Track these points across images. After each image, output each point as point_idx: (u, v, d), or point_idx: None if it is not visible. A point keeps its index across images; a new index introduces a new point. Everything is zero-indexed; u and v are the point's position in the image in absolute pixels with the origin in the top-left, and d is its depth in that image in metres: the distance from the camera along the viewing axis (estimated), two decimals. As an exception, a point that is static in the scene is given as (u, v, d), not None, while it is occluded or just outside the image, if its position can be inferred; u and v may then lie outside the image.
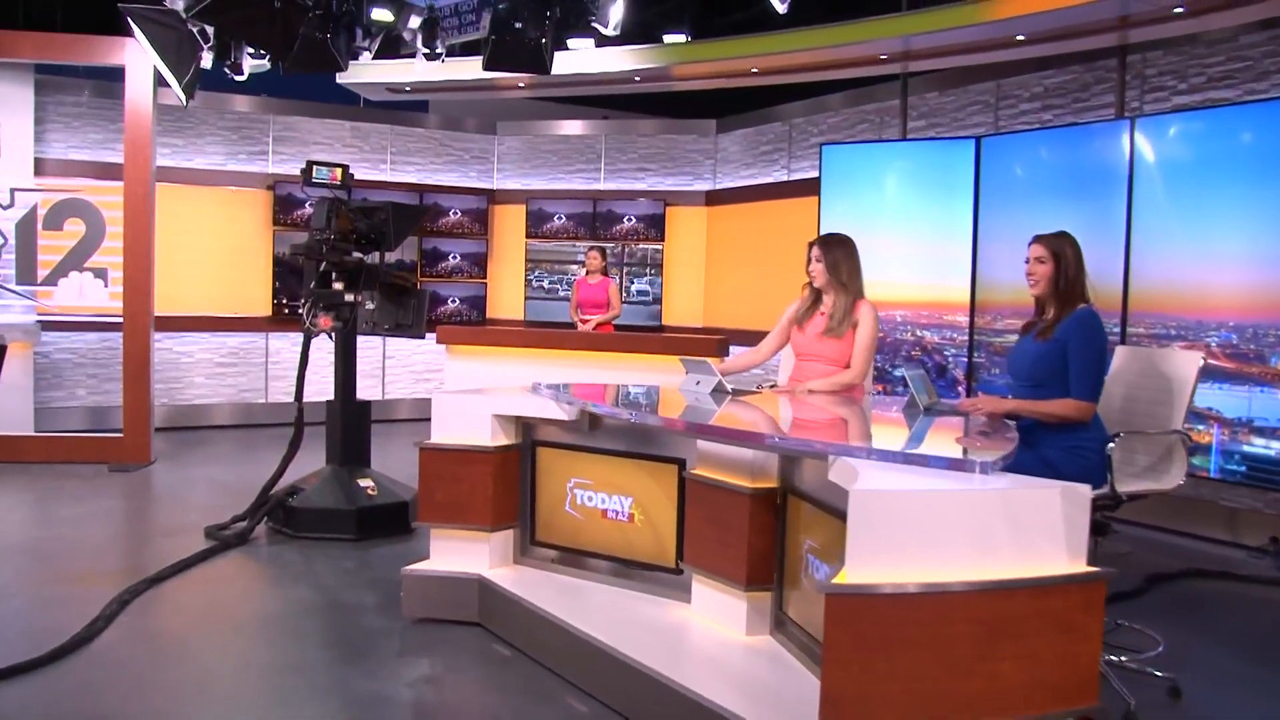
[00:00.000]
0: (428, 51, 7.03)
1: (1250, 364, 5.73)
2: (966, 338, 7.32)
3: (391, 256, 7.00)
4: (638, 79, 8.84)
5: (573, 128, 11.36)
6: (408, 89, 9.42)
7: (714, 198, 10.92)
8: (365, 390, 9.73)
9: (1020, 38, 6.62)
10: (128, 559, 5.60)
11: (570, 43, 8.06)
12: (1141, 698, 3.69)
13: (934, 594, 2.55)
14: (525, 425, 4.67)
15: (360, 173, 10.10)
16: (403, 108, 11.01)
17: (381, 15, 6.79)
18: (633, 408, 4.22)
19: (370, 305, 6.36)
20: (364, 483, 6.15)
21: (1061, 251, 3.89)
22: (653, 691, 3.44)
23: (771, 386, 5.15)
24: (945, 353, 7.44)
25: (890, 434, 3.79)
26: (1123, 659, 4.05)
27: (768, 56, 7.84)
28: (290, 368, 9.98)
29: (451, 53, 7.34)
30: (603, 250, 9.38)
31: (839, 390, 4.71)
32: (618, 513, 4.39)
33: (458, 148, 11.22)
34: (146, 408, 8.08)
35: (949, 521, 2.61)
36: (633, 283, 10.93)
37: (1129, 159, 6.33)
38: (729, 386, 4.51)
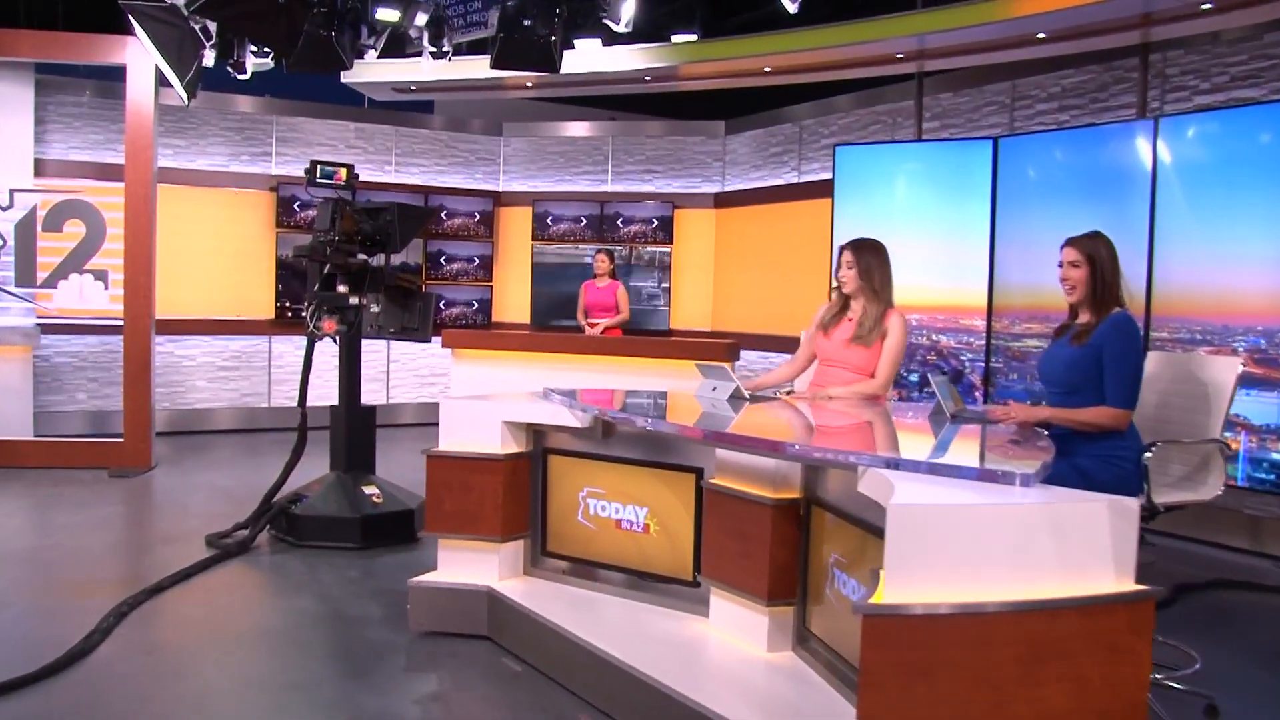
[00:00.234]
0: (434, 50, 6.89)
1: (1278, 370, 5.59)
2: (984, 342, 7.18)
3: (396, 259, 6.87)
4: (648, 78, 8.71)
5: (579, 129, 11.22)
6: (414, 88, 9.30)
7: (723, 200, 10.78)
8: (369, 394, 9.60)
9: (1040, 35, 6.48)
10: (127, 568, 5.46)
11: (577, 44, 7.91)
12: (1177, 717, 3.54)
13: (976, 614, 2.40)
14: (536, 432, 4.52)
15: (365, 174, 9.97)
16: (408, 109, 10.89)
17: (387, 15, 6.66)
18: (648, 415, 4.08)
19: (375, 308, 6.21)
20: (369, 490, 6.01)
21: (1096, 254, 3.74)
22: (670, 710, 3.30)
23: (789, 393, 5.00)
24: (962, 358, 7.29)
25: (919, 443, 3.65)
26: (1157, 676, 3.90)
27: (781, 55, 7.70)
28: (293, 371, 9.84)
29: (458, 51, 7.20)
30: (610, 253, 9.24)
31: (860, 398, 4.57)
32: (632, 523, 4.25)
33: (463, 149, 11.09)
34: (147, 412, 7.95)
35: (992, 537, 2.47)
36: (643, 287, 10.79)
37: (1152, 160, 6.18)
38: (746, 392, 4.37)
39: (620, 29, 6.06)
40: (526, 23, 6.31)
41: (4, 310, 8.17)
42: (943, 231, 7.34)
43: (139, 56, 7.70)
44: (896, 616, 2.39)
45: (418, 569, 5.04)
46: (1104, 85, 7.30)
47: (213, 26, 6.55)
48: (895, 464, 2.89)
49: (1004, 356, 7.07)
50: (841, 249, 4.84)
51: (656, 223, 10.80)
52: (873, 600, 2.44)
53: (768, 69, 8.10)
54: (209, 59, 6.91)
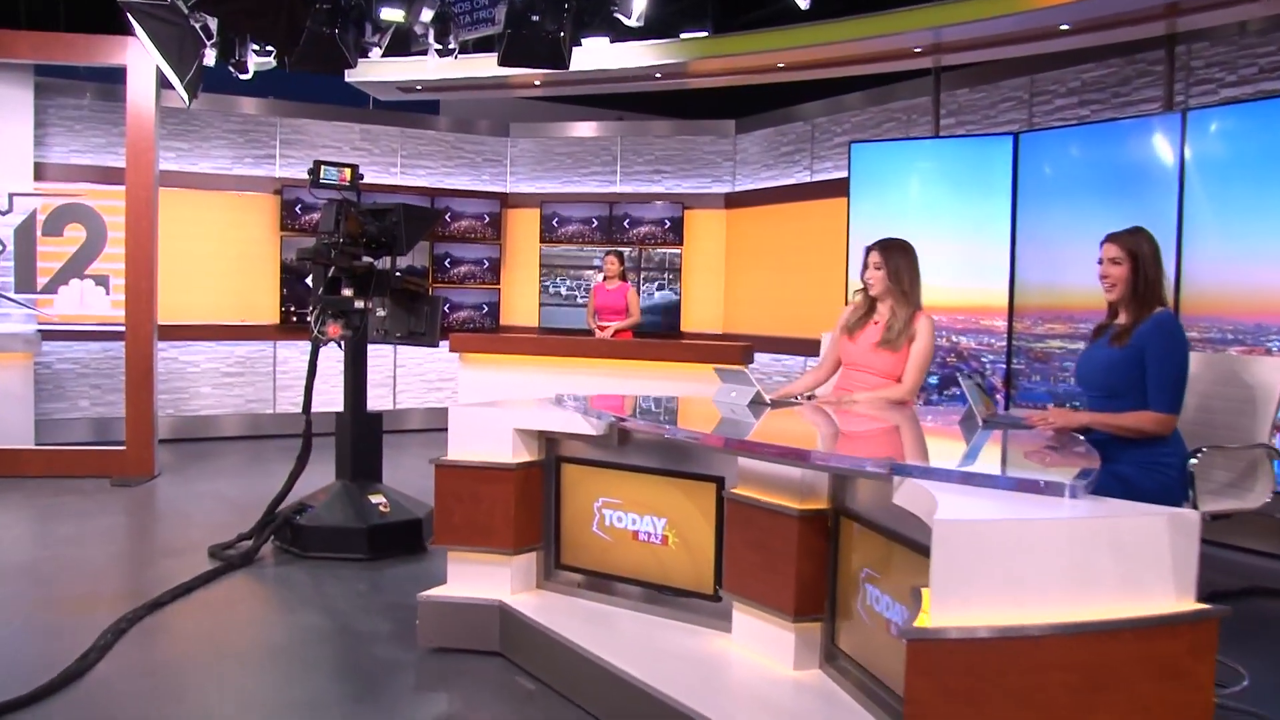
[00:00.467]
0: (440, 47, 6.73)
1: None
2: (1004, 343, 7.00)
3: (403, 261, 6.71)
4: (659, 75, 8.53)
5: (587, 129, 11.05)
6: (419, 88, 9.13)
7: (733, 200, 10.60)
8: (375, 400, 9.45)
9: (1064, 27, 6.29)
10: (127, 581, 5.30)
11: (586, 42, 7.73)
12: (1229, 738, 3.37)
13: (1028, 638, 2.23)
14: (549, 440, 4.35)
15: (370, 176, 9.81)
16: (413, 110, 10.73)
17: (391, 14, 6.50)
18: (666, 421, 3.91)
19: (381, 312, 6.06)
20: (375, 499, 5.84)
21: (1139, 250, 3.56)
22: (693, 732, 3.13)
23: (809, 398, 4.83)
24: (982, 359, 7.11)
25: (952, 451, 3.48)
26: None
27: (795, 50, 7.52)
28: (299, 377, 9.68)
29: (465, 49, 7.04)
30: (620, 255, 9.08)
31: (886, 404, 4.41)
32: (650, 534, 4.08)
33: (470, 150, 10.93)
34: (150, 420, 7.80)
35: (1044, 554, 2.29)
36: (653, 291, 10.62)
37: (1179, 154, 6.00)
38: (768, 398, 4.21)
39: (631, 23, 5.89)
40: (535, 18, 6.15)
41: (4, 317, 8.02)
42: (962, 230, 7.16)
43: (140, 57, 7.56)
44: (944, 641, 2.22)
45: (427, 581, 4.88)
46: (1126, 79, 7.12)
47: (213, 24, 6.40)
48: (934, 474, 2.72)
49: (1025, 358, 6.89)
50: (868, 249, 4.68)
51: (667, 224, 10.63)
52: (918, 624, 2.27)
53: (781, 65, 7.91)
54: (210, 58, 6.77)
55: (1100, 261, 3.66)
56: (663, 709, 3.27)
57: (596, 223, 10.75)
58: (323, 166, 5.98)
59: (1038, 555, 2.30)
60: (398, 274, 6.14)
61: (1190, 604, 2.36)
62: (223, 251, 9.76)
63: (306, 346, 5.91)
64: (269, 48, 6.80)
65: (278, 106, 10.07)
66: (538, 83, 8.79)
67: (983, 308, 7.09)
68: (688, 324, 10.65)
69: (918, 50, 7.28)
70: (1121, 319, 3.63)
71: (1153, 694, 2.30)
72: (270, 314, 9.94)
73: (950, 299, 7.15)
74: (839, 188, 9.04)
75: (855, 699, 3.21)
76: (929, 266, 7.10)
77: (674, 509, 4.01)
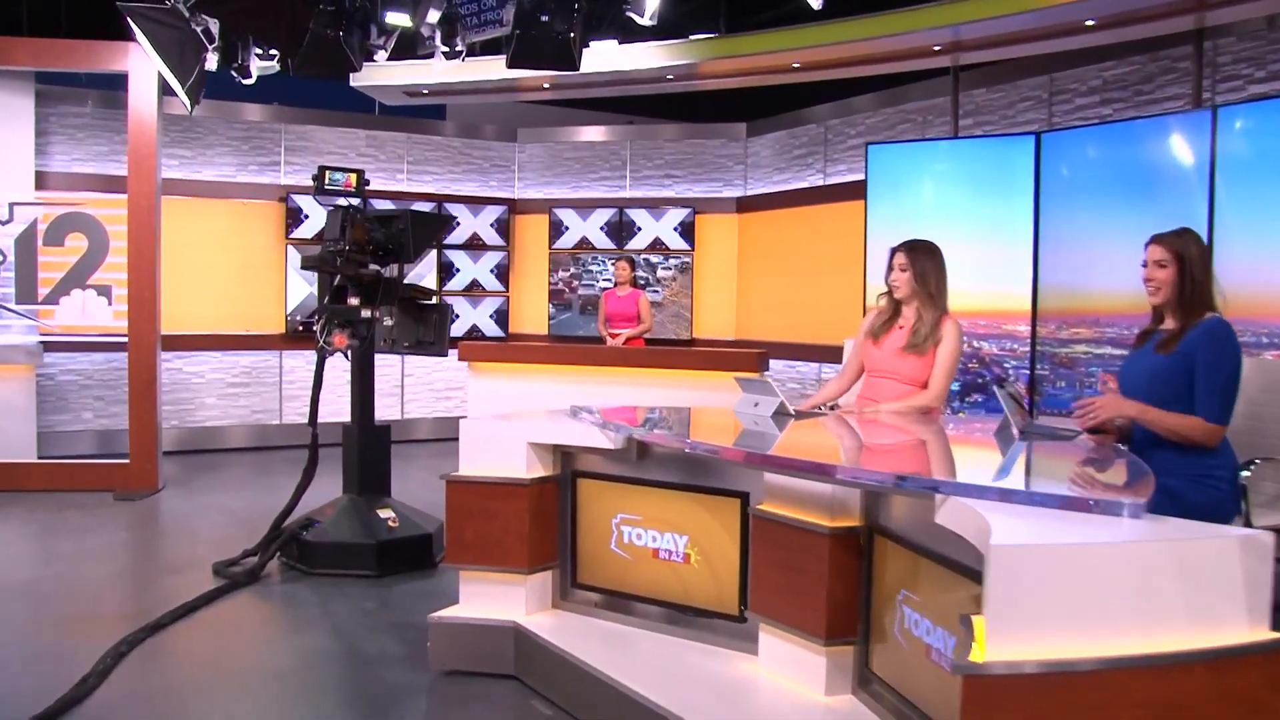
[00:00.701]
0: (447, 50, 6.58)
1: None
2: (1028, 349, 6.81)
3: (410, 269, 6.55)
4: (670, 77, 8.35)
5: (596, 134, 10.89)
6: (425, 92, 8.97)
7: (745, 204, 10.44)
8: (383, 410, 9.31)
9: (1089, 22, 6.12)
10: (128, 601, 5.14)
11: (595, 45, 7.57)
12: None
13: (1095, 672, 2.05)
14: (564, 454, 4.18)
15: (376, 183, 9.68)
16: (419, 115, 10.58)
17: (396, 19, 6.35)
18: (687, 433, 3.74)
19: (389, 322, 5.88)
20: (384, 513, 5.67)
21: (1185, 252, 3.38)
22: (721, 764, 2.97)
23: (832, 408, 4.66)
24: (1005, 365, 6.93)
25: (993, 464, 3.30)
26: None
27: (811, 50, 7.34)
28: (305, 387, 9.51)
29: (472, 52, 6.89)
30: (631, 261, 8.91)
31: (914, 413, 4.23)
32: (671, 552, 3.90)
33: (477, 156, 10.78)
34: (153, 432, 7.65)
35: (1108, 581, 2.11)
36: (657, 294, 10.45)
37: (1210, 152, 5.82)
38: (791, 409, 4.03)
39: (644, 21, 5.73)
40: (544, 19, 6.00)
41: (5, 328, 7.87)
42: (982, 232, 6.98)
43: (141, 63, 7.43)
44: (1003, 677, 2.04)
45: (437, 598, 4.75)
46: (1150, 76, 6.94)
47: (215, 28, 6.25)
48: (981, 492, 2.54)
49: (1050, 363, 6.71)
50: (894, 251, 4.51)
51: (677, 229, 10.46)
52: (973, 658, 2.09)
53: (796, 64, 7.74)
54: (212, 63, 6.62)
55: (1144, 264, 3.47)
56: (687, 736, 3.11)
57: (606, 228, 10.58)
58: (328, 172, 5.83)
59: (1101, 582, 2.12)
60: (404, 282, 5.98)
61: (1266, 633, 2.18)
62: (227, 260, 9.61)
63: (313, 356, 5.75)
64: (272, 51, 6.65)
65: (282, 113, 9.92)
66: (546, 85, 8.63)
67: (1005, 312, 6.90)
68: (699, 330, 10.48)
69: (937, 49, 7.10)
70: (1168, 324, 3.44)
71: (1227, 731, 2.12)
72: (276, 323, 9.79)
73: (971, 303, 6.96)
74: (854, 191, 8.89)
75: (892, 727, 3.04)
76: (949, 270, 6.96)
77: (696, 526, 3.83)
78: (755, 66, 7.94)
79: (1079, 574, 2.11)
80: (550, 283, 10.73)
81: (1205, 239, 5.68)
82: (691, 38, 7.86)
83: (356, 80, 8.53)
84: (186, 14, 6.06)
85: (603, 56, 7.93)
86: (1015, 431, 3.62)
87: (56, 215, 7.99)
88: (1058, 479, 3.01)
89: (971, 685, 2.05)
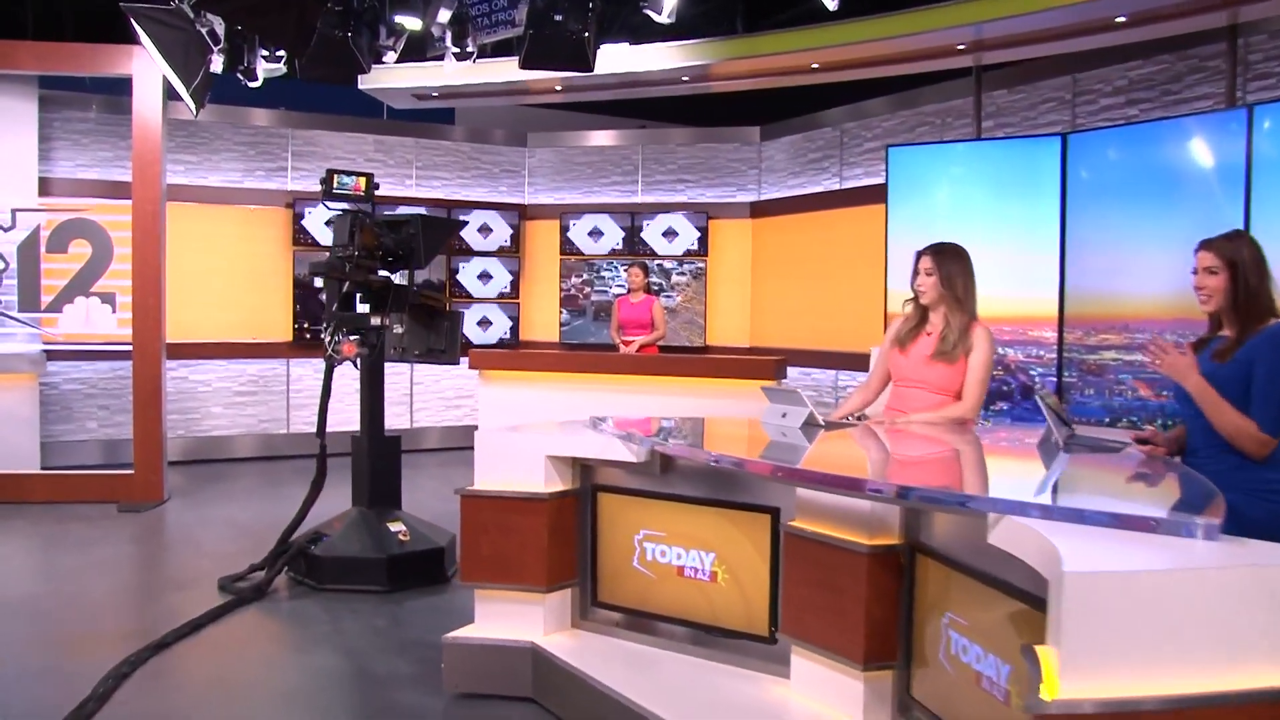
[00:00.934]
0: (458, 51, 6.42)
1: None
2: (1055, 355, 6.63)
3: (420, 275, 6.38)
4: (686, 78, 8.19)
5: (607, 138, 10.73)
6: (435, 94, 8.81)
7: (759, 209, 10.27)
8: (392, 418, 9.13)
9: (1120, 19, 5.94)
10: (131, 618, 4.98)
11: (607, 48, 7.42)
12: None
13: (1179, 709, 1.88)
14: (584, 467, 4.01)
15: (385, 188, 9.50)
16: (428, 119, 10.44)
17: (407, 22, 6.21)
18: (713, 446, 3.57)
19: (399, 329, 5.73)
20: (395, 527, 5.51)
21: (1238, 258, 3.18)
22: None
23: (860, 418, 4.48)
24: (1030, 372, 6.75)
25: (1038, 478, 3.12)
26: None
27: (830, 50, 7.17)
28: (313, 396, 9.36)
29: (483, 54, 6.74)
30: (645, 267, 8.74)
31: (947, 424, 4.05)
32: (697, 570, 3.73)
33: (486, 161, 10.62)
34: (159, 442, 7.50)
35: (1189, 610, 1.94)
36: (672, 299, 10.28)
37: (1246, 152, 5.63)
38: (821, 419, 3.86)
39: (662, 19, 5.56)
40: (558, 18, 5.82)
41: (7, 336, 7.72)
42: (1007, 235, 6.79)
43: (146, 67, 7.31)
44: (1083, 717, 1.86)
45: (451, 616, 4.59)
46: (1177, 75, 6.76)
47: (220, 29, 6.10)
48: (1038, 510, 2.37)
49: (1078, 370, 6.52)
50: (919, 254, 4.33)
51: (690, 234, 10.30)
52: (1045, 695, 1.91)
53: (816, 65, 7.56)
54: (217, 65, 6.46)
55: (1194, 271, 3.29)
56: (717, 766, 2.94)
57: (618, 234, 10.41)
58: (336, 176, 5.68)
59: (1182, 611, 1.95)
60: (415, 289, 5.83)
61: (1358, 665, 2.00)
62: (233, 267, 9.46)
63: (321, 364, 5.60)
64: (279, 53, 6.50)
65: (289, 118, 9.78)
66: (559, 87, 8.46)
67: (1031, 318, 6.72)
68: (713, 337, 10.31)
69: (960, 47, 6.93)
70: (1226, 333, 3.26)
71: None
72: (283, 331, 9.64)
73: (995, 308, 6.74)
74: (871, 194, 8.73)
75: (935, 757, 2.86)
76: (974, 274, 6.77)
77: (724, 542, 3.66)
78: (773, 67, 7.77)
79: (1158, 603, 1.94)
80: (561, 289, 10.57)
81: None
82: (709, 39, 7.69)
83: (364, 83, 8.39)
84: (191, 15, 5.91)
85: (616, 58, 7.78)
86: (1058, 443, 3.44)
87: (60, 221, 7.84)
88: (1118, 495, 2.84)
89: (1046, 726, 1.88)
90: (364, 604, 5.10)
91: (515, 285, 10.61)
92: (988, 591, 2.63)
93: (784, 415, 3.92)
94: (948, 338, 4.20)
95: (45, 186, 8.28)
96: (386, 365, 5.91)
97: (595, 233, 10.46)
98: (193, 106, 6.53)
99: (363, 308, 5.64)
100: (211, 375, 9.45)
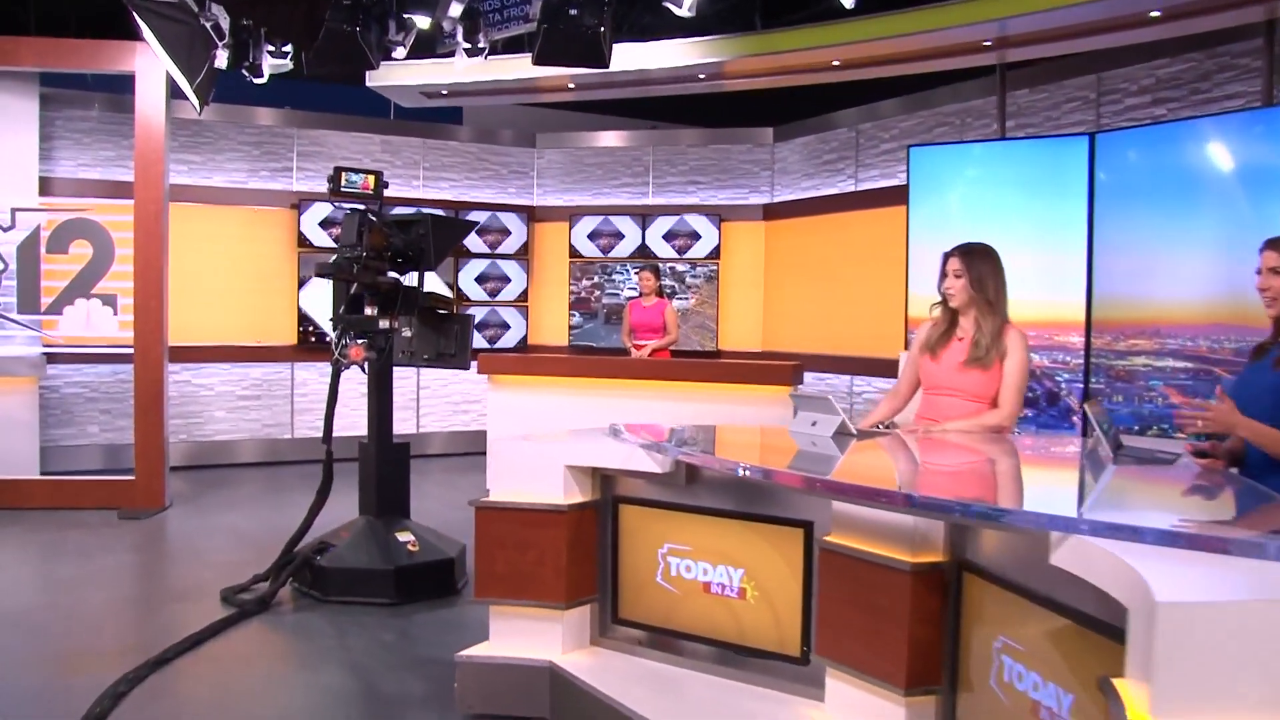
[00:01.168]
0: (469, 47, 6.25)
1: None
2: (1081, 361, 6.44)
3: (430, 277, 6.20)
4: (702, 76, 7.99)
5: (618, 139, 10.55)
6: (444, 92, 8.63)
7: (772, 212, 10.08)
8: (397, 423, 8.95)
9: (1155, 14, 5.76)
10: (130, 632, 4.79)
11: (620, 46, 7.24)
12: None
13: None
14: (604, 478, 3.83)
15: (392, 189, 9.35)
16: (435, 119, 10.27)
17: (417, 18, 6.04)
18: (741, 455, 3.38)
19: (408, 333, 5.54)
20: (403, 537, 5.33)
21: (1309, 258, 3.01)
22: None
23: (889, 427, 4.29)
24: (1057, 378, 6.56)
25: (1101, 493, 2.93)
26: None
27: (854, 46, 6.97)
28: (318, 400, 9.16)
29: (494, 51, 6.56)
30: (656, 270, 8.56)
31: (984, 433, 3.87)
32: (724, 586, 3.54)
33: (495, 162, 10.45)
34: (160, 447, 7.33)
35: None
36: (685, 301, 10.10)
37: (1285, 152, 5.45)
38: (853, 428, 3.67)
39: (682, 13, 5.38)
40: (573, 12, 5.65)
41: (6, 339, 7.55)
42: (1032, 237, 6.60)
43: (149, 64, 7.14)
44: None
45: (462, 630, 4.42)
46: (1206, 74, 6.58)
47: (225, 23, 5.93)
48: (1108, 529, 2.18)
49: (1106, 377, 6.33)
50: (947, 255, 4.15)
51: (702, 237, 10.12)
52: (1138, 739, 1.73)
53: (837, 62, 7.37)
54: (222, 60, 6.30)
55: (1258, 272, 3.11)
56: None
57: (629, 236, 10.24)
58: (344, 173, 5.51)
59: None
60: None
61: None
62: (237, 268, 9.29)
63: (326, 368, 5.42)
64: (284, 48, 6.33)
65: (295, 117, 9.61)
66: (571, 85, 8.28)
67: (1057, 322, 6.53)
68: (725, 342, 10.13)
69: (987, 44, 6.74)
70: (1290, 337, 3.08)
71: None
72: (288, 334, 9.47)
73: (1020, 312, 6.47)
74: (888, 196, 8.56)
75: (983, 790, 2.68)
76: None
77: (753, 557, 3.47)
78: (793, 64, 7.57)
79: (1258, 634, 1.75)
80: (571, 292, 10.40)
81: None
82: (726, 35, 7.50)
83: (372, 80, 8.22)
84: (195, 8, 5.73)
85: (631, 55, 7.60)
86: (1109, 454, 3.25)
87: (60, 222, 7.66)
88: (1189, 512, 2.65)
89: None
90: (371, 617, 4.92)
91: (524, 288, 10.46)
92: (1049, 615, 2.44)
93: (814, 424, 3.73)
94: (980, 342, 4.02)
95: (46, 186, 8.11)
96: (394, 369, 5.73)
97: (605, 234, 10.28)
98: (197, 104, 6.36)
99: (370, 310, 5.46)
100: (215, 379, 9.28)
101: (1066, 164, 6.52)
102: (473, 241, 10.07)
